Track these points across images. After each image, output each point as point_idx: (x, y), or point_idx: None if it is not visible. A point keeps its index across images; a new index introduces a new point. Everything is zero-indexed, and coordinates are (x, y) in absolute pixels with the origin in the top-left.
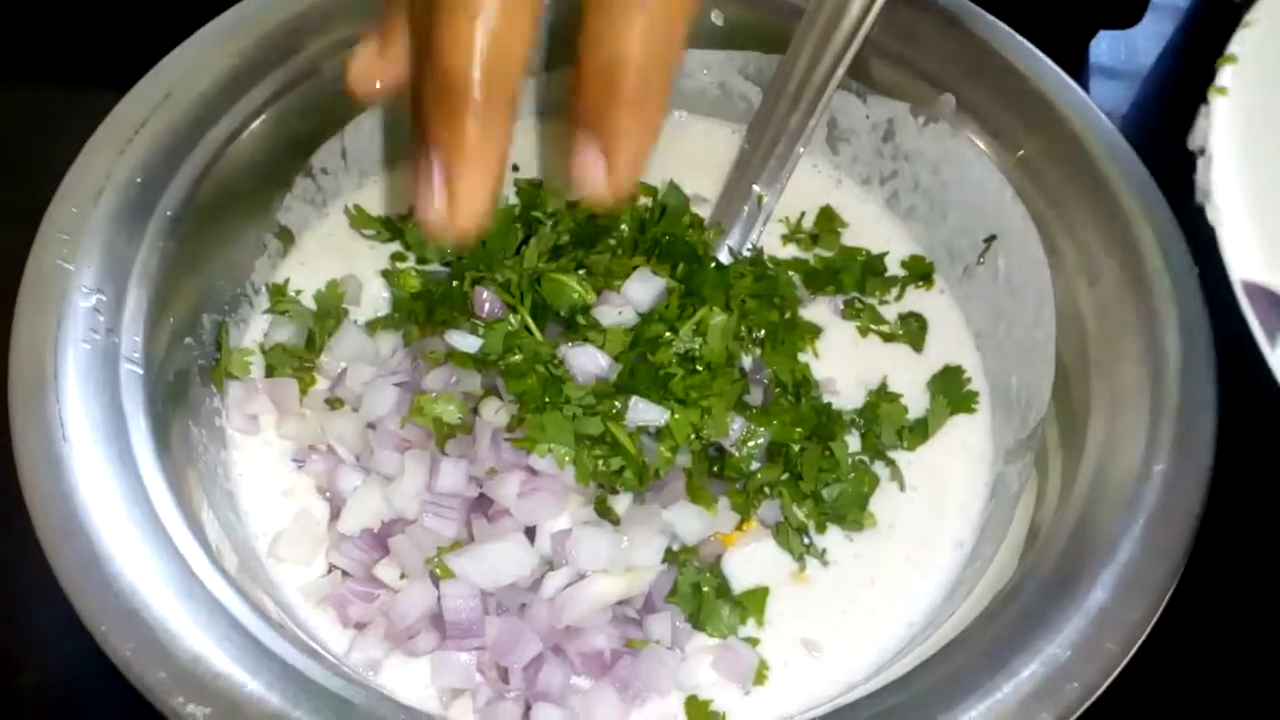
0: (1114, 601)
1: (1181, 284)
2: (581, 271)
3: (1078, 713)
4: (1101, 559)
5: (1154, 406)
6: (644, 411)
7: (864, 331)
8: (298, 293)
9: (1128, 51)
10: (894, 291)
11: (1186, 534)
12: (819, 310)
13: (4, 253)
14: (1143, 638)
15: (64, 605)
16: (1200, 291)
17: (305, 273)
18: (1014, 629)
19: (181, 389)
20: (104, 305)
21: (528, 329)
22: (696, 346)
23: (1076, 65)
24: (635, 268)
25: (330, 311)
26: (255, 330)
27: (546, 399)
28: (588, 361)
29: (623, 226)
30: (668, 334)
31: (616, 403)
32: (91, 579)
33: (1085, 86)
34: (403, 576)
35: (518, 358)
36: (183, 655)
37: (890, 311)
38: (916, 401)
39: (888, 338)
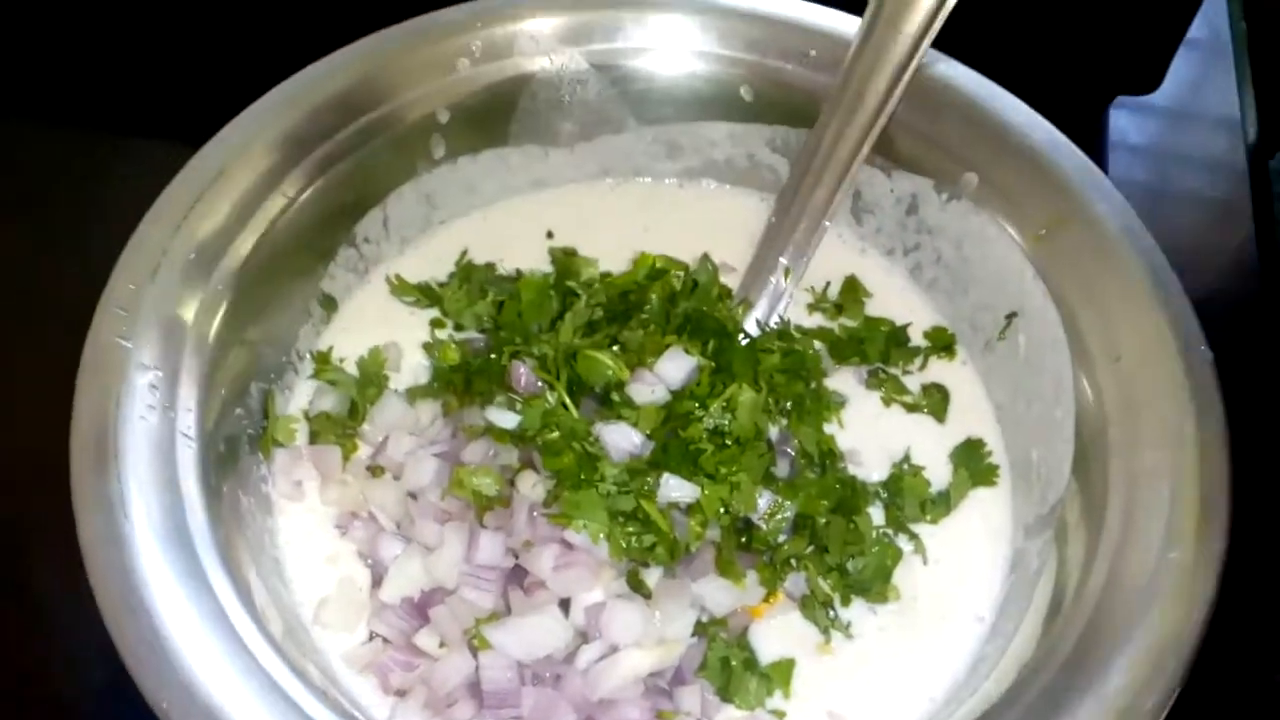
0: (1130, 687)
1: (1198, 368)
2: (615, 348)
3: None
4: (1119, 644)
5: (1172, 490)
6: (676, 488)
7: (887, 402)
8: (341, 360)
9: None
10: (917, 362)
11: (1201, 619)
12: (843, 380)
13: (61, 286)
14: None
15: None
16: (1215, 376)
17: (348, 339)
18: (1033, 713)
19: (232, 457)
20: (160, 381)
21: (564, 405)
22: (726, 422)
23: (1097, 131)
24: (668, 345)
25: (372, 380)
26: (300, 397)
27: (582, 476)
28: (622, 439)
29: (655, 301)
30: (698, 410)
31: (649, 479)
32: (152, 654)
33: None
34: (442, 645)
35: (554, 435)
36: None
37: (913, 382)
38: (938, 472)
39: (910, 408)
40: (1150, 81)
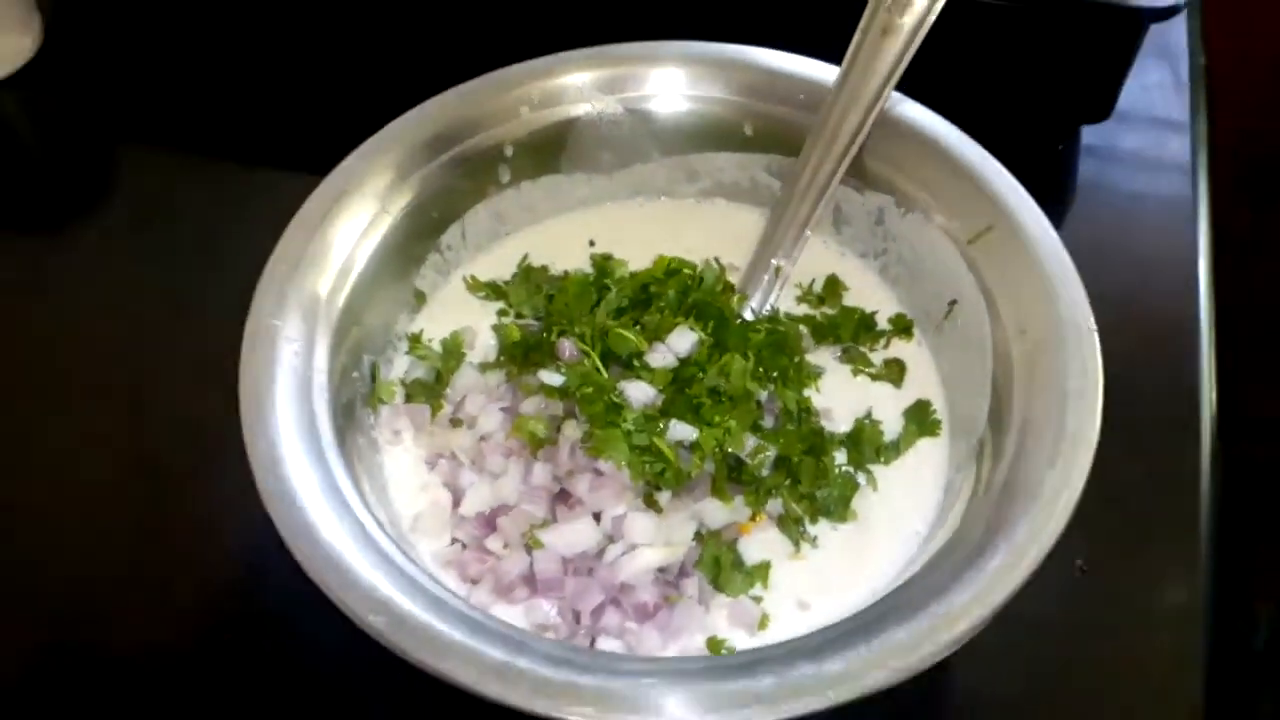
0: (1020, 548)
1: (1083, 338)
2: (638, 327)
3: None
4: (1013, 524)
5: (1054, 426)
6: (680, 430)
7: (856, 372)
8: (429, 340)
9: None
10: (882, 342)
11: (1071, 505)
12: (822, 356)
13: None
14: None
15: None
16: (1097, 345)
17: (434, 324)
18: (935, 577)
19: (350, 410)
20: (301, 350)
21: (597, 369)
22: (721, 384)
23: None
24: (677, 325)
25: (452, 355)
26: (399, 368)
27: (609, 419)
28: (640, 393)
29: (670, 293)
30: (699, 374)
31: (660, 424)
32: (304, 538)
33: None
34: (505, 546)
35: (589, 390)
36: (364, 585)
37: (878, 357)
38: (893, 426)
39: (874, 377)
40: (1101, 111)
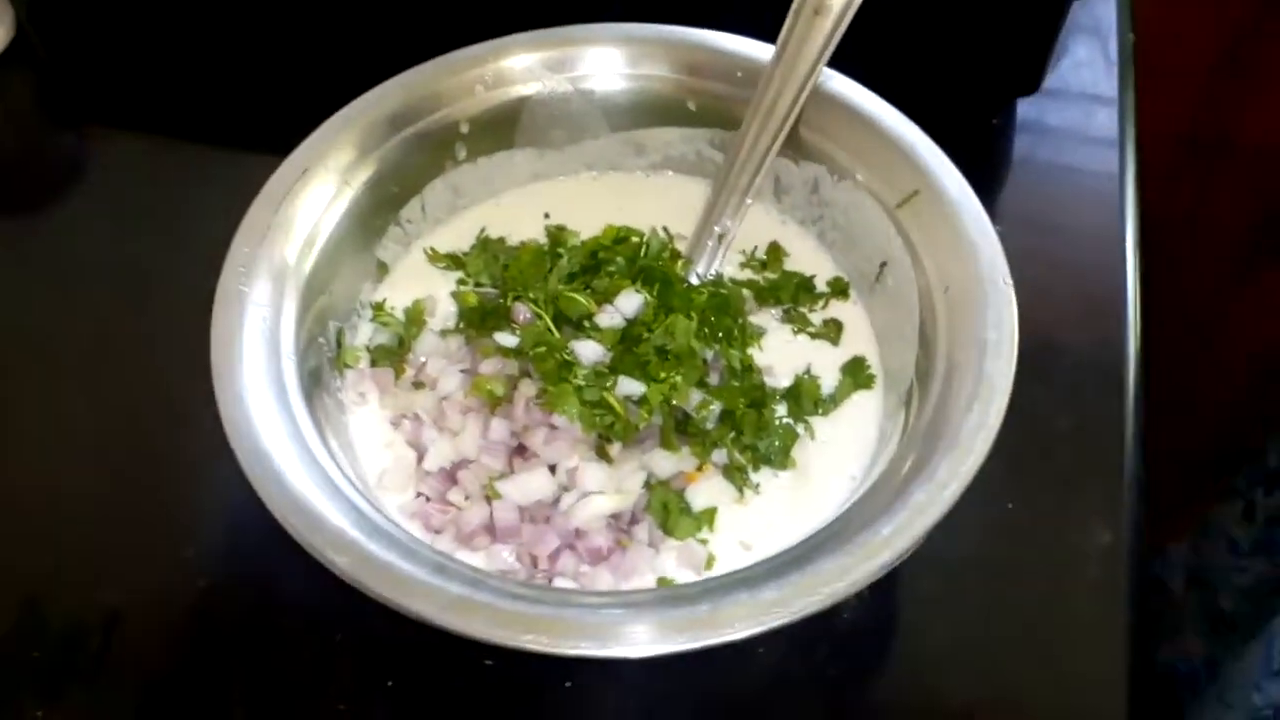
0: (943, 481)
1: (1000, 292)
2: (588, 291)
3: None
4: (936, 460)
5: (973, 374)
6: (628, 385)
7: (796, 332)
8: (391, 308)
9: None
10: (820, 303)
11: (986, 446)
12: (764, 318)
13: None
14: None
15: (230, 524)
16: (1013, 299)
17: (397, 294)
18: (864, 513)
19: (317, 371)
20: (268, 315)
21: (549, 330)
22: (668, 342)
23: (1008, 122)
24: (624, 288)
25: (414, 321)
26: (363, 334)
27: (562, 376)
28: (589, 352)
29: (619, 260)
30: (646, 334)
31: (610, 380)
32: (272, 484)
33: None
34: (466, 498)
35: (542, 349)
36: (330, 527)
37: (817, 317)
38: (831, 381)
39: (814, 336)
40: (1030, 84)
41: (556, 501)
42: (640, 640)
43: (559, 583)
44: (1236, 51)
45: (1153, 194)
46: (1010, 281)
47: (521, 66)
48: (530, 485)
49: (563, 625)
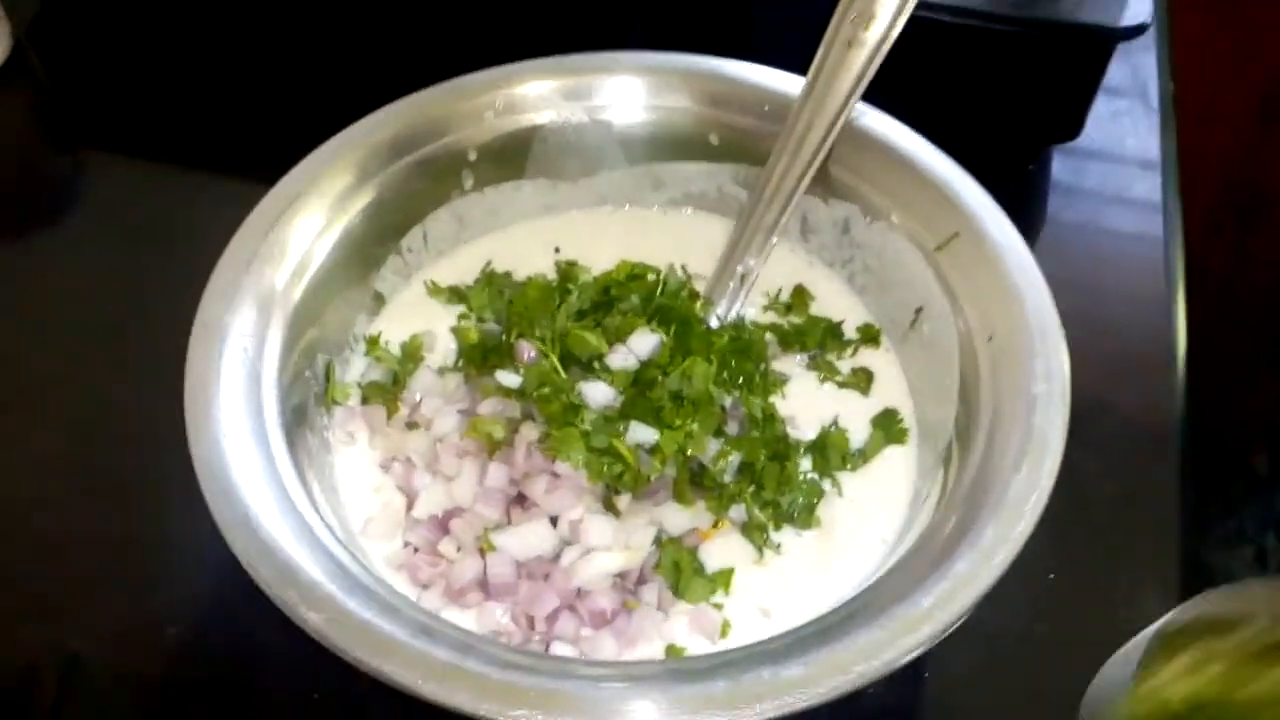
0: (975, 562)
1: (1046, 342)
2: (599, 329)
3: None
4: (970, 539)
5: (1021, 431)
6: (639, 432)
7: (823, 380)
8: (386, 343)
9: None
10: (849, 350)
11: (1036, 513)
12: (788, 364)
13: (161, 299)
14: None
15: (204, 570)
16: (1064, 349)
17: (393, 327)
18: (900, 581)
19: (302, 409)
20: (251, 346)
21: (556, 370)
22: (684, 387)
23: (1041, 177)
24: (638, 327)
25: (411, 357)
26: (355, 370)
27: (566, 419)
28: (598, 394)
29: (633, 298)
30: (661, 377)
31: (620, 425)
32: (243, 529)
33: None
34: (458, 550)
35: (547, 390)
36: (304, 579)
37: (845, 365)
38: (860, 434)
39: (841, 385)
40: (1070, 130)
41: (557, 557)
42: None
43: (557, 647)
44: (1275, 98)
45: (1191, 247)
46: (1061, 330)
47: (535, 94)
48: (529, 538)
49: (560, 700)
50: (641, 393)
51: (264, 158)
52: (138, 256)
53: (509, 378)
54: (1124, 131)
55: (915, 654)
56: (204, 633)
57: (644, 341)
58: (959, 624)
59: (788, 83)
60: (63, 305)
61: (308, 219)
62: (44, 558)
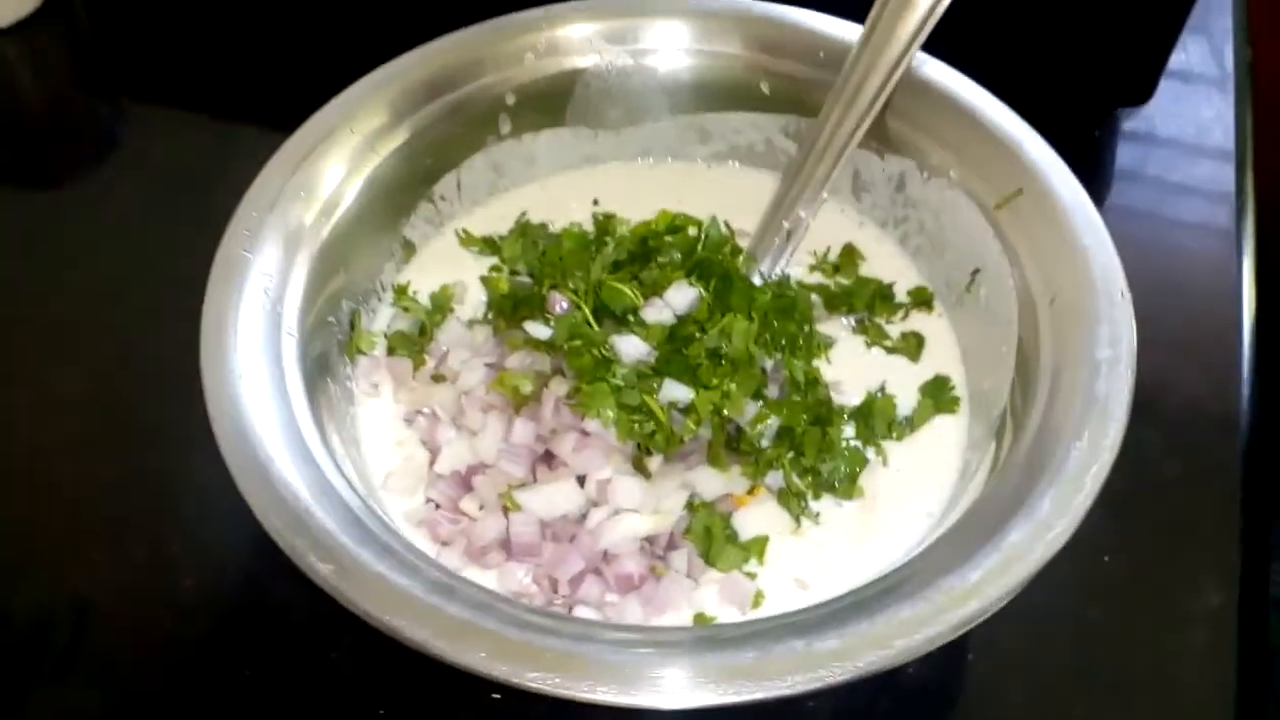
0: (1030, 534)
1: (1116, 305)
2: (635, 281)
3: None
4: (1026, 511)
5: (1081, 400)
6: (673, 389)
7: (870, 344)
8: (415, 293)
9: None
10: (900, 314)
11: (1095, 489)
12: (834, 327)
13: (193, 247)
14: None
15: (223, 520)
16: (1130, 313)
17: (423, 277)
18: (947, 553)
19: (324, 356)
20: (272, 285)
21: (588, 323)
22: (723, 345)
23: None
24: (676, 280)
25: (440, 308)
26: (382, 319)
27: (598, 375)
28: (632, 348)
29: (673, 251)
30: (698, 334)
31: (653, 382)
32: (255, 476)
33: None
34: (481, 508)
35: (578, 342)
36: (316, 528)
37: (895, 330)
38: (908, 402)
39: (890, 350)
40: (1142, 93)
41: (584, 518)
42: (671, 688)
43: (580, 612)
44: None
45: (1262, 224)
46: (1128, 293)
47: (579, 36)
48: (555, 498)
49: (580, 664)
50: (677, 349)
51: (304, 105)
52: (172, 203)
53: (538, 329)
54: (1197, 107)
55: (961, 631)
56: (221, 585)
57: (682, 295)
58: (1008, 601)
59: (844, 29)
60: (95, 249)
61: (336, 159)
62: (59, 503)
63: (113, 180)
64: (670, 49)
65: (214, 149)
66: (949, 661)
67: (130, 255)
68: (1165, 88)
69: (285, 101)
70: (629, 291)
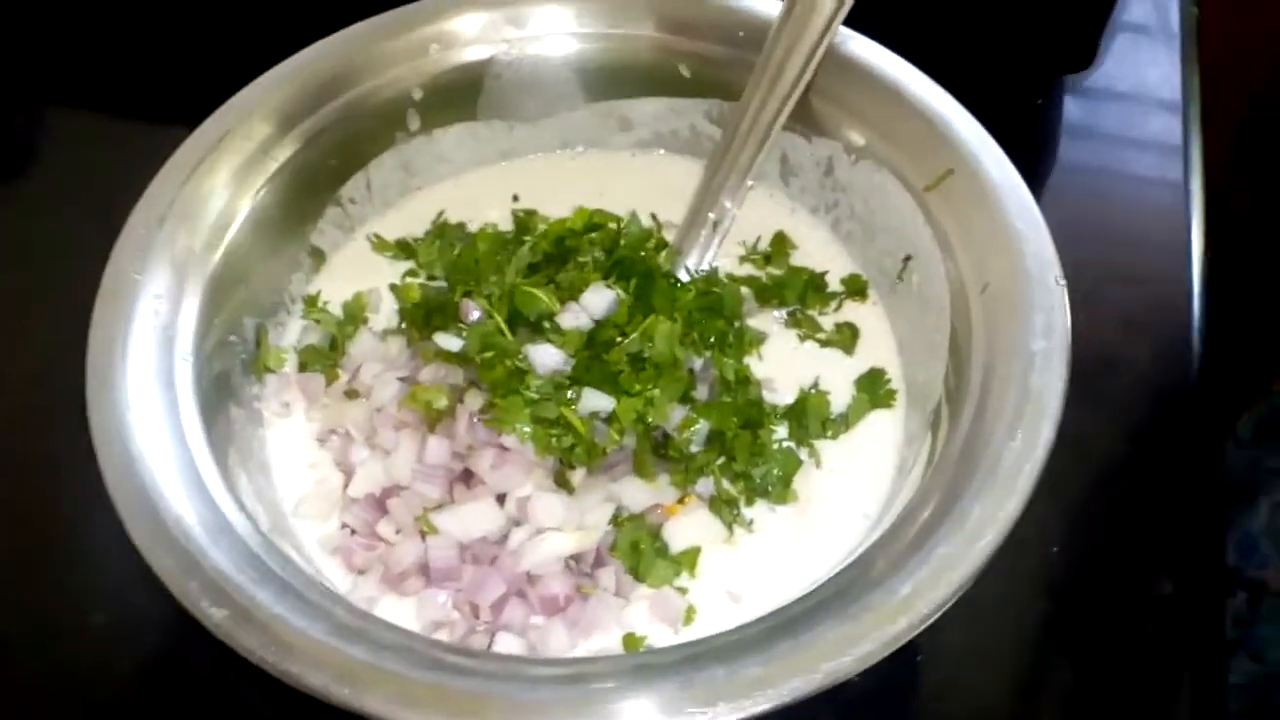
0: (959, 544)
1: (1049, 292)
2: (552, 285)
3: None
4: (955, 518)
5: (1017, 394)
6: (593, 399)
7: (803, 338)
8: (326, 303)
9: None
10: (833, 305)
11: (1029, 487)
12: (766, 321)
13: (81, 260)
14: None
15: (131, 556)
16: (1065, 300)
17: (334, 286)
18: (877, 565)
19: (226, 377)
20: (164, 308)
21: (500, 331)
22: (644, 350)
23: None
24: (592, 283)
25: (352, 319)
26: (291, 333)
27: (511, 387)
28: (547, 358)
29: (595, 252)
30: (619, 338)
31: (570, 393)
32: (143, 514)
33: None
34: (398, 532)
35: (490, 354)
36: (209, 570)
37: (829, 321)
38: (843, 397)
39: (824, 344)
40: (1082, 59)
41: (505, 539)
42: None
43: (503, 639)
44: None
45: (1210, 188)
46: (1063, 280)
47: (484, 23)
48: (473, 519)
49: (494, 705)
50: (596, 356)
51: (195, 105)
52: (86, 213)
53: (449, 340)
54: (1143, 65)
55: (888, 650)
56: (132, 622)
57: (599, 298)
58: (941, 613)
59: (764, 5)
60: (5, 265)
61: (228, 168)
62: None
63: (25, 191)
64: (581, 34)
65: (126, 154)
66: (896, 662)
67: (36, 272)
68: (1111, 55)
69: (204, 101)
70: (544, 296)
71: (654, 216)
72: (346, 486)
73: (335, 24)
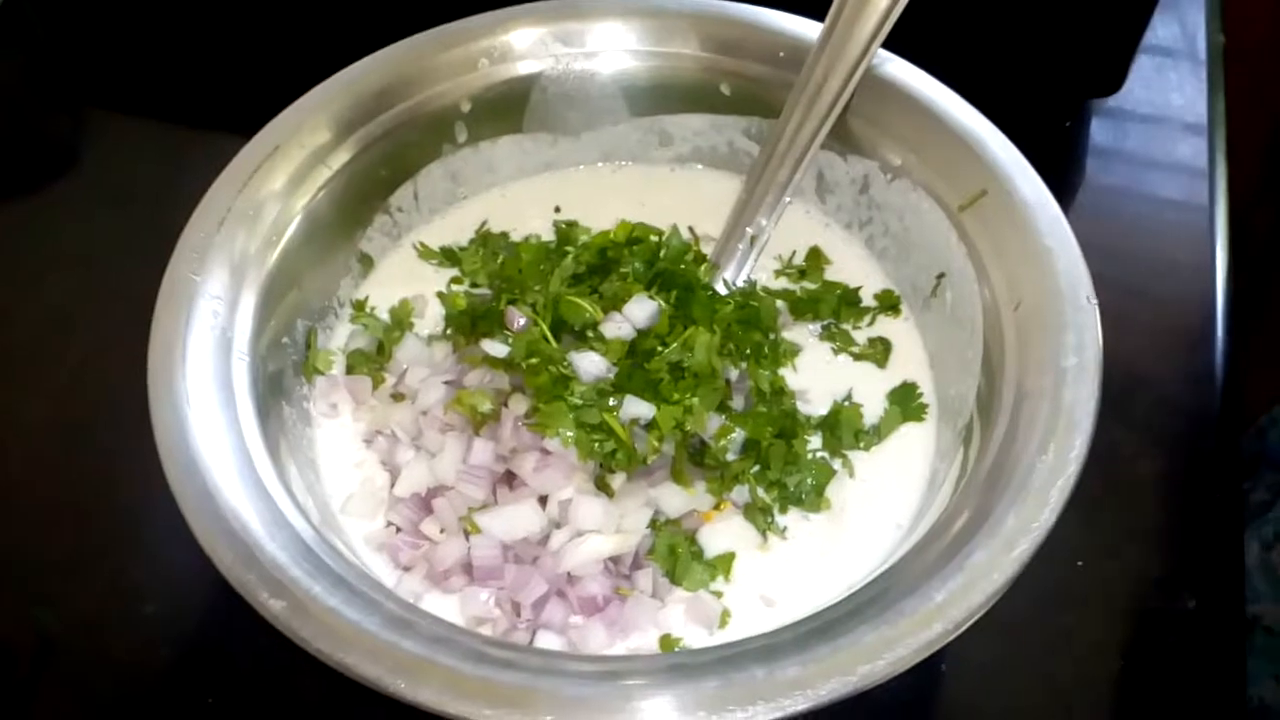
0: (992, 554)
1: (1081, 311)
2: (595, 295)
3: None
4: (989, 528)
5: (1049, 410)
6: (634, 406)
7: (837, 351)
8: (373, 308)
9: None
10: (866, 319)
11: (1060, 503)
12: (800, 334)
13: (140, 263)
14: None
15: (186, 544)
16: (1096, 318)
17: (381, 291)
18: (911, 573)
19: (278, 377)
20: (222, 309)
21: (545, 339)
22: (684, 359)
23: (1080, 136)
24: (635, 293)
25: (398, 324)
26: (339, 336)
27: (556, 393)
28: (591, 365)
29: (634, 261)
30: (659, 348)
31: (612, 399)
32: (204, 508)
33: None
34: (442, 531)
35: (535, 360)
36: (267, 563)
37: (862, 335)
38: (876, 409)
39: (857, 357)
40: (1112, 83)
41: (546, 540)
42: None
43: (543, 636)
44: None
45: (1235, 212)
46: (1095, 300)
47: (533, 39)
48: (515, 519)
49: (538, 699)
50: (638, 364)
51: (266, 111)
52: (131, 217)
53: (495, 347)
54: (1169, 89)
55: (925, 654)
56: (182, 612)
57: (641, 309)
58: (972, 622)
59: (804, 27)
60: (56, 267)
61: (284, 175)
62: (18, 530)
63: (73, 193)
64: (626, 51)
65: (176, 158)
66: (921, 673)
67: (87, 274)
68: (1139, 78)
69: (246, 108)
70: (588, 306)
71: (691, 230)
72: (392, 486)
73: (363, 36)
